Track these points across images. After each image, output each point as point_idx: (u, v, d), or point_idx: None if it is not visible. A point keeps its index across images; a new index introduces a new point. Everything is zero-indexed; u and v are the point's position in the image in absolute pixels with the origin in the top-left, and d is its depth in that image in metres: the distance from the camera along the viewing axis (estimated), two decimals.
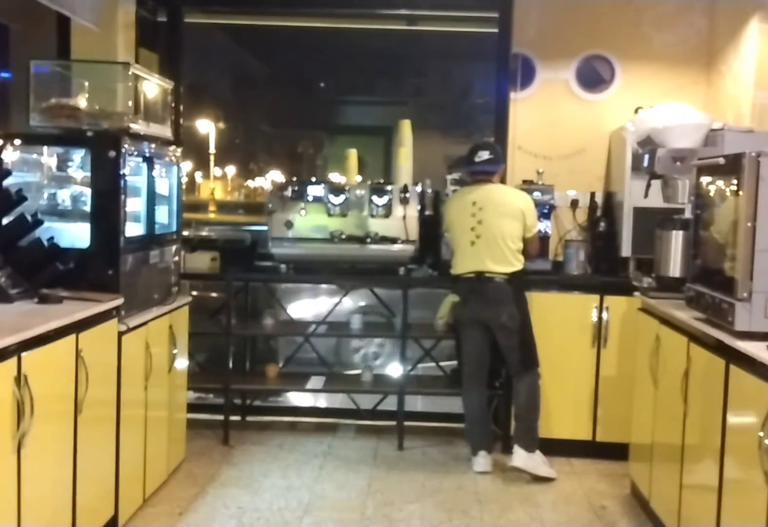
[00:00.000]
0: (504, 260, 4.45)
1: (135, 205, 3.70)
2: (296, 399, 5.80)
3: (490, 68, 5.38)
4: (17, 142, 3.58)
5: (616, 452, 4.52)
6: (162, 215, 4.06)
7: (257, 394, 5.55)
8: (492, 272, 4.44)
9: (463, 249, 4.52)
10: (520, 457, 4.46)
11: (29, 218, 3.36)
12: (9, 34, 4.91)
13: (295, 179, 7.08)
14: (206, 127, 12.21)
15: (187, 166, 6.88)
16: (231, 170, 13.94)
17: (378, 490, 4.28)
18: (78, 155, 3.66)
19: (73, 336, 3.00)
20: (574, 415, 4.79)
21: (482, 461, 4.54)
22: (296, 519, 3.88)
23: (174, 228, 4.22)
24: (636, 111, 4.54)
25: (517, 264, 4.47)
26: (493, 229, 4.46)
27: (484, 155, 4.55)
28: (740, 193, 2.91)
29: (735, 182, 2.96)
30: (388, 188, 5.03)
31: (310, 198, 4.99)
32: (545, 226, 5.01)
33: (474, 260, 4.47)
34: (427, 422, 5.34)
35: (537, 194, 4.99)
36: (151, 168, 3.79)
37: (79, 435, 3.08)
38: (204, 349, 5.39)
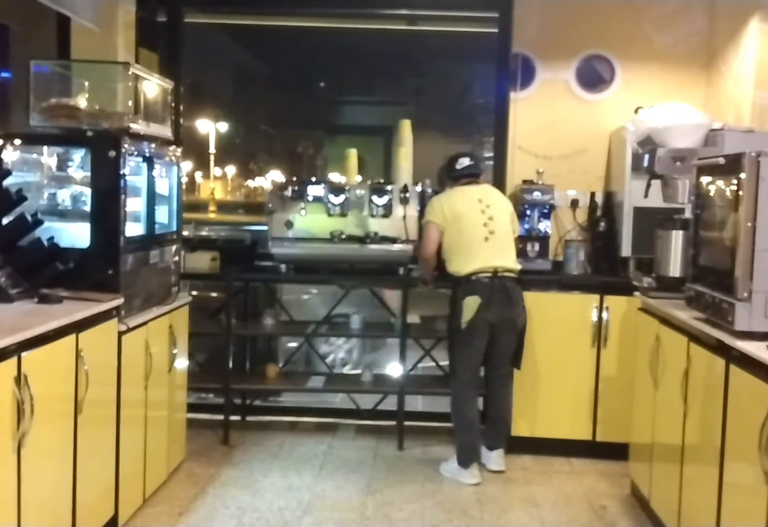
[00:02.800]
0: (514, 258, 4.45)
1: (135, 205, 3.69)
2: (296, 398, 5.79)
3: (490, 68, 5.39)
4: (17, 142, 3.58)
5: (616, 452, 4.52)
6: (162, 215, 4.06)
7: (257, 394, 5.55)
8: (508, 269, 4.38)
9: (476, 245, 4.39)
10: (501, 460, 4.52)
11: (29, 218, 3.36)
12: (9, 34, 4.91)
13: (295, 179, 7.07)
14: (206, 127, 12.20)
15: (187, 166, 6.87)
16: (231, 170, 13.94)
17: (378, 490, 4.28)
18: (78, 155, 3.66)
19: (73, 336, 3.00)
20: (574, 415, 4.79)
21: (477, 472, 4.41)
22: (296, 519, 3.88)
23: (174, 228, 4.22)
24: (636, 111, 4.54)
25: (519, 264, 4.48)
26: (503, 227, 4.45)
27: (465, 161, 4.57)
28: (740, 193, 2.91)
29: (735, 182, 2.96)
30: (388, 188, 5.03)
31: (310, 198, 4.99)
32: (545, 226, 5.02)
33: (489, 257, 4.36)
34: (427, 422, 5.33)
35: (537, 194, 5.01)
36: (151, 168, 3.79)
37: (79, 435, 3.08)
38: (204, 349, 5.40)
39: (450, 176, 4.64)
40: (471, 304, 4.33)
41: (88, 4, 4.58)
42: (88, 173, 3.57)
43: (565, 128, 5.31)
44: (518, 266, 4.45)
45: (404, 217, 4.98)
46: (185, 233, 5.11)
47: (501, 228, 4.44)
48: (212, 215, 9.72)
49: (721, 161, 3.14)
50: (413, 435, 5.04)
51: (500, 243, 4.42)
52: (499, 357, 4.47)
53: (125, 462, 3.54)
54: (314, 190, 5.00)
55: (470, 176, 4.58)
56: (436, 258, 4.57)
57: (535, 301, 4.64)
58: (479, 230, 4.41)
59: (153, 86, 4.03)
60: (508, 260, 4.41)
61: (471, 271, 4.37)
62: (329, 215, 4.99)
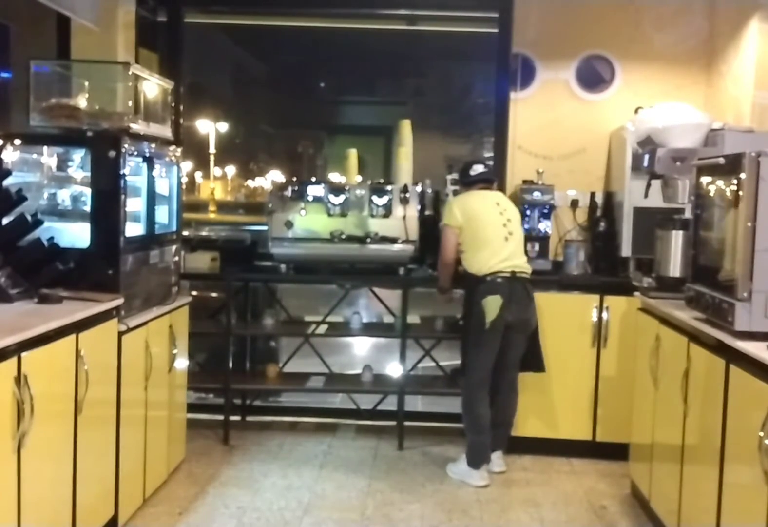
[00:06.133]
0: (527, 260, 4.48)
1: (135, 205, 3.69)
2: (296, 398, 5.79)
3: (490, 68, 5.39)
4: (17, 142, 3.58)
5: (616, 452, 4.52)
6: (162, 215, 4.06)
7: (257, 394, 5.55)
8: (523, 271, 4.41)
9: (497, 245, 4.37)
10: (501, 461, 4.55)
11: (29, 218, 3.36)
12: (9, 34, 4.91)
13: (295, 179, 7.08)
14: (206, 127, 12.23)
15: (187, 166, 6.88)
16: (231, 170, 13.97)
17: (378, 490, 4.28)
18: (78, 155, 3.66)
19: (73, 336, 3.00)
20: (574, 415, 4.79)
21: (486, 474, 4.41)
22: (296, 519, 3.88)
23: (174, 228, 4.22)
24: (636, 111, 4.55)
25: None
26: (519, 230, 4.49)
27: (479, 168, 4.59)
28: (740, 193, 2.91)
29: (735, 182, 2.96)
30: (388, 188, 5.03)
31: (310, 198, 5.00)
32: (545, 226, 5.03)
33: (509, 257, 4.36)
34: (427, 422, 5.33)
35: (537, 194, 5.01)
36: (151, 168, 3.79)
37: (79, 435, 3.08)
38: (204, 349, 5.39)
39: (464, 182, 4.66)
40: (493, 303, 4.31)
41: (88, 4, 4.58)
42: (88, 173, 3.57)
43: (565, 128, 5.31)
44: (529, 269, 4.48)
45: (404, 217, 4.98)
46: (185, 233, 5.12)
47: (517, 231, 4.48)
48: (212, 215, 9.75)
49: (721, 161, 3.14)
50: (413, 435, 5.04)
51: (517, 245, 4.45)
52: (509, 360, 4.46)
53: (125, 462, 3.54)
54: (314, 190, 5.00)
55: (483, 182, 4.58)
56: (454, 265, 4.56)
57: (536, 301, 4.64)
58: (500, 230, 4.41)
59: (153, 86, 4.03)
60: (522, 261, 4.44)
61: (491, 270, 4.35)
62: (329, 215, 4.99)
